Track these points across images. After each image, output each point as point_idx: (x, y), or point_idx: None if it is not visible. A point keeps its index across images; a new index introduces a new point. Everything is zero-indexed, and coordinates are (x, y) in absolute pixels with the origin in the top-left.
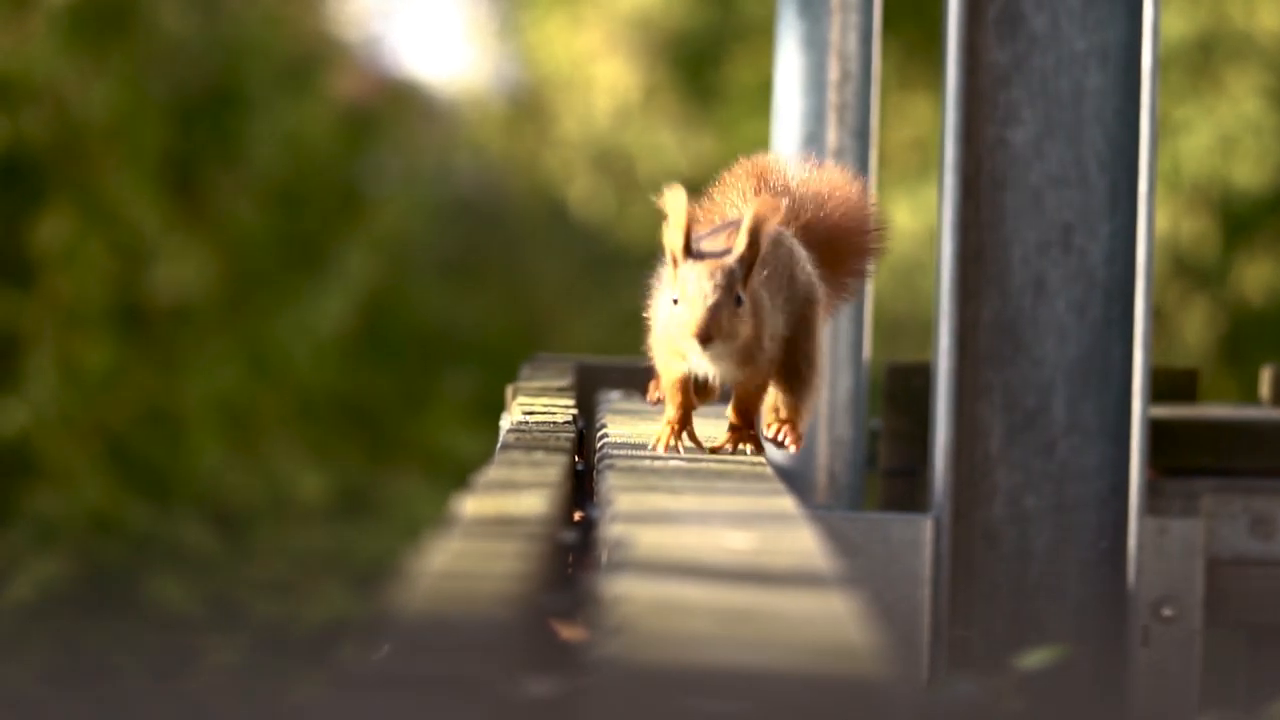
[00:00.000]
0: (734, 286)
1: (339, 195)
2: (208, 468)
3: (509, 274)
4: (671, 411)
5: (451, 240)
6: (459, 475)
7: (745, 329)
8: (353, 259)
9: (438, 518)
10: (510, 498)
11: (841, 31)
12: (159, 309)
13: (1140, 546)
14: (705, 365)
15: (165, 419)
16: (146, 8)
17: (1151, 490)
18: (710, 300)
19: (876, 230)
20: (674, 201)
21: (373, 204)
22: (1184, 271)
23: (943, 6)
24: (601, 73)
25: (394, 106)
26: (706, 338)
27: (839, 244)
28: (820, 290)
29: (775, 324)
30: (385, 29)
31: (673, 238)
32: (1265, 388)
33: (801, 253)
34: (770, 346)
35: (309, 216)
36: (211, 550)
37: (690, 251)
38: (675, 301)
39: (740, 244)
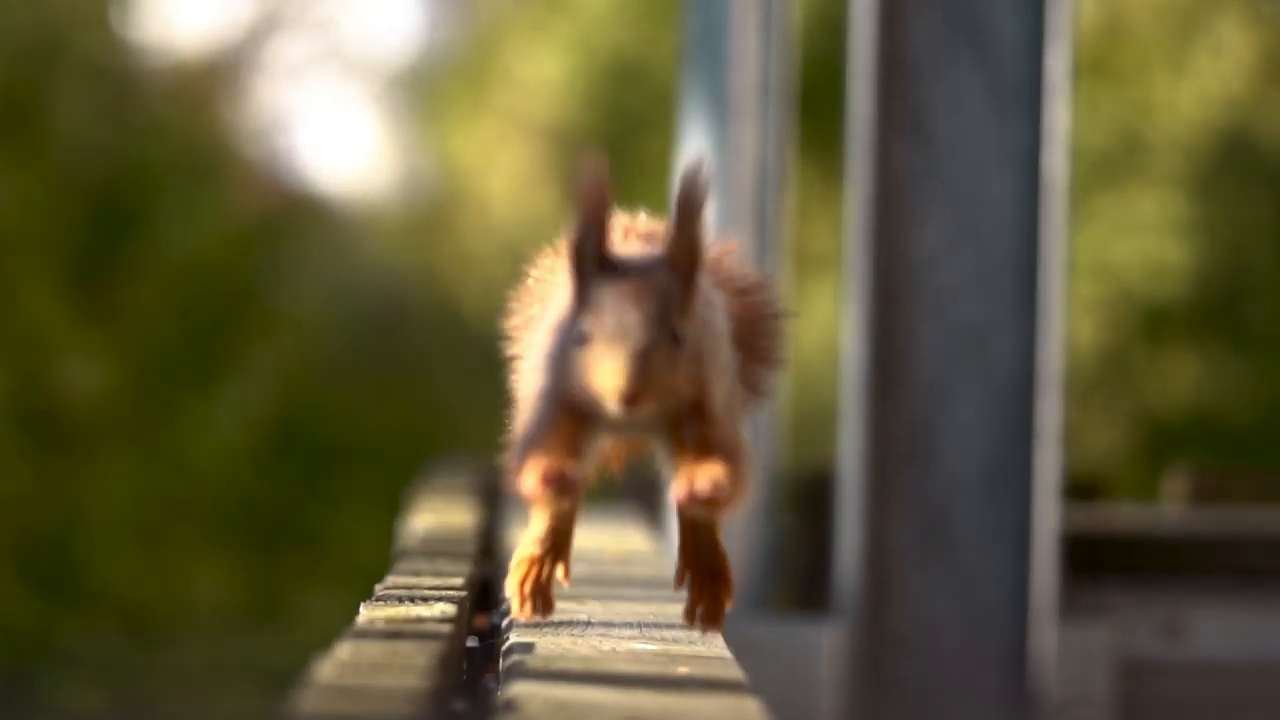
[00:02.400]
0: (670, 316)
1: (243, 304)
2: (110, 576)
3: (415, 379)
4: (539, 524)
5: (357, 348)
6: (365, 580)
7: (686, 381)
8: (256, 368)
9: (343, 624)
10: (413, 605)
11: (749, 136)
12: (61, 416)
13: (1049, 651)
14: (627, 429)
15: (67, 525)
16: (49, 116)
17: (1061, 594)
18: (639, 338)
19: (783, 318)
20: (592, 178)
21: (277, 313)
22: (1091, 376)
23: (848, 111)
24: (510, 182)
25: (298, 217)
26: (633, 397)
27: (751, 326)
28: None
29: (728, 375)
30: (291, 141)
31: (585, 234)
32: (1175, 490)
33: (723, 324)
34: (728, 405)
35: (213, 325)
36: (116, 657)
37: (606, 260)
38: (583, 337)
39: (672, 242)
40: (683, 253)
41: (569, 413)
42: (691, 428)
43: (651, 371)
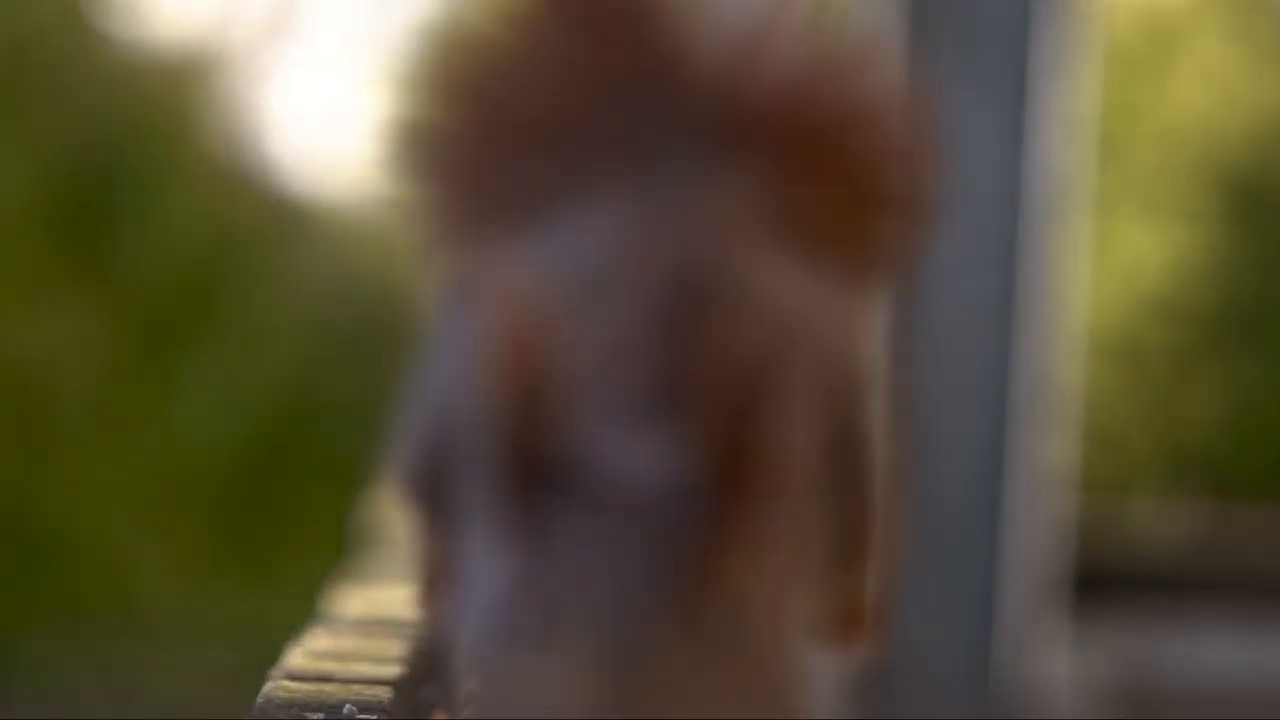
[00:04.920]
0: (695, 574)
1: (227, 304)
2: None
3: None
4: None
5: (341, 351)
6: (330, 571)
7: (733, 694)
8: (237, 367)
9: (312, 612)
10: (381, 590)
11: None
12: (27, 411)
13: (1059, 667)
14: None
15: (47, 500)
16: (26, 111)
17: (1071, 610)
18: (623, 627)
19: (918, 140)
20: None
21: (263, 314)
22: (1104, 384)
23: None
24: None
25: (285, 216)
26: None
27: (855, 181)
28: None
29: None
30: (278, 148)
31: (522, 406)
32: (1191, 507)
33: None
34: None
35: (196, 326)
36: (95, 630)
37: (560, 454)
38: (508, 615)
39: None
40: (725, 451)
41: None
42: None
43: (661, 686)
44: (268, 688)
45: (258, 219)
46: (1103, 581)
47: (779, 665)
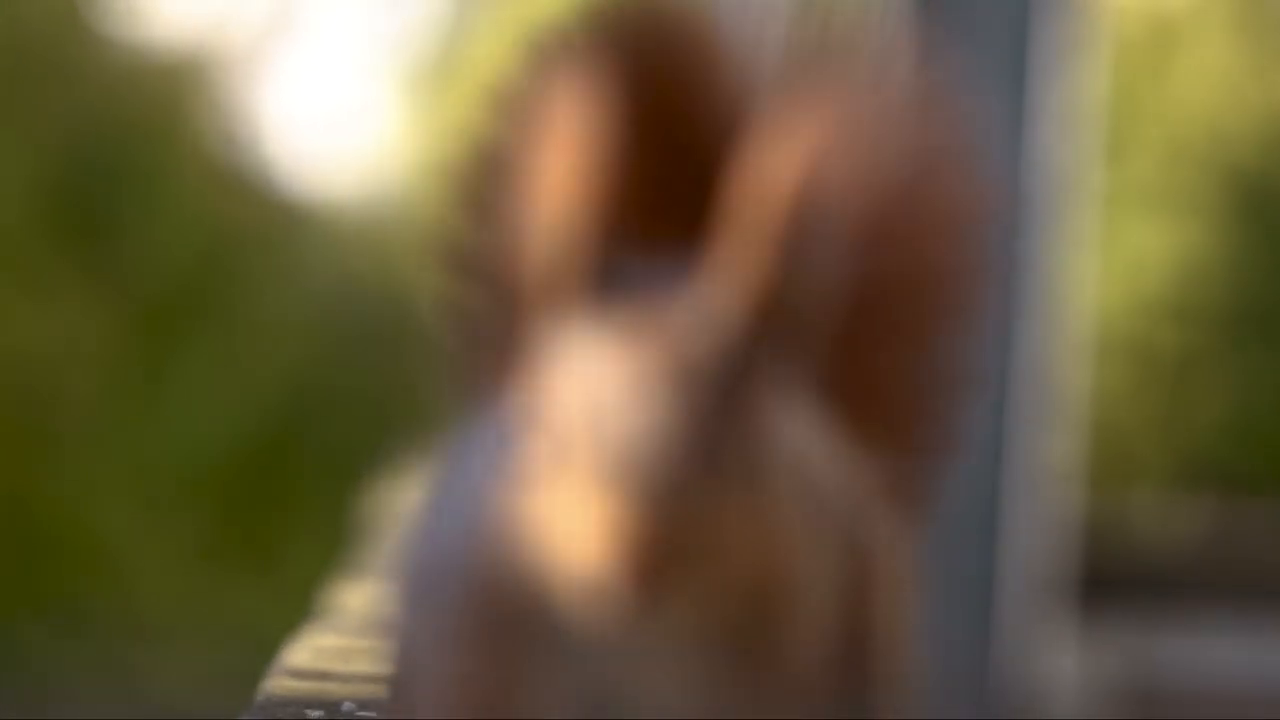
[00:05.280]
0: (721, 408)
1: (227, 308)
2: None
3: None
4: None
5: (343, 359)
6: (330, 567)
7: (753, 545)
8: (235, 372)
9: (312, 609)
10: (382, 586)
11: None
12: (28, 408)
13: (1063, 666)
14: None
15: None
16: (22, 114)
17: (1076, 609)
18: (653, 455)
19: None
20: (571, 118)
21: (260, 320)
22: (1114, 380)
23: None
24: None
25: (282, 225)
26: (645, 571)
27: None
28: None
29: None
30: (276, 148)
31: (546, 239)
32: (1198, 509)
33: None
34: (818, 604)
35: (189, 328)
36: (95, 622)
37: (591, 283)
38: (525, 450)
39: (747, 260)
40: (766, 283)
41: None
42: None
43: (681, 522)
44: (268, 684)
45: (256, 219)
46: (1108, 580)
47: (802, 516)
